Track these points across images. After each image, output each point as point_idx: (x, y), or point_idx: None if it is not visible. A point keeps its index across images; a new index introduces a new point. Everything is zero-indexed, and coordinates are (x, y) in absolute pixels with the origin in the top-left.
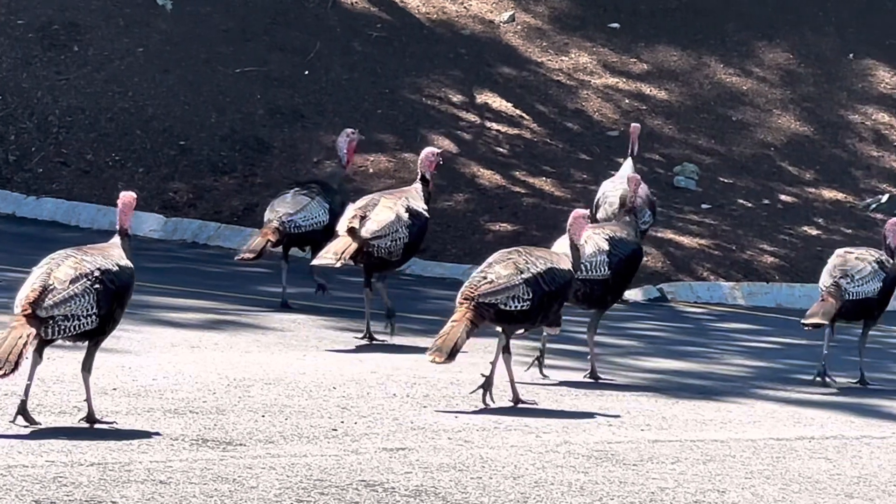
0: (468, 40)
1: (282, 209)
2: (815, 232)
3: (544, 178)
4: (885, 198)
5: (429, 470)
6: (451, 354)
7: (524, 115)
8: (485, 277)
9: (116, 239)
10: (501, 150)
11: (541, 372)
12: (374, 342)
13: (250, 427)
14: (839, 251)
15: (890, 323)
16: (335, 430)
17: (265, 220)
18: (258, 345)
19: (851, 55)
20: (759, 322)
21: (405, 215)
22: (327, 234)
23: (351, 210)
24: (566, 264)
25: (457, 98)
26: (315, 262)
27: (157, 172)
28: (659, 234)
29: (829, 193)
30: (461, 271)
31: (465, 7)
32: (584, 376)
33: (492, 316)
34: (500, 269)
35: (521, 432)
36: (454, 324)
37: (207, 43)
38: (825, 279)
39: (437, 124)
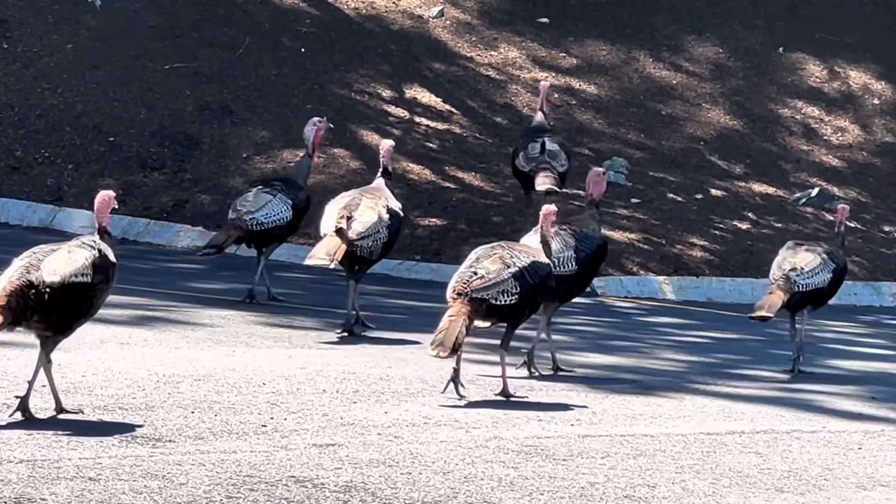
0: (397, 35)
1: (244, 207)
2: (745, 226)
3: (474, 173)
4: (814, 192)
5: (358, 466)
6: (454, 349)
7: (453, 109)
8: (475, 273)
9: (96, 237)
10: (431, 145)
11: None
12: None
13: (180, 423)
14: (789, 243)
15: (818, 316)
16: (265, 426)
17: (228, 218)
18: (187, 341)
19: (781, 49)
20: (688, 316)
21: (386, 216)
22: (291, 229)
23: (335, 210)
24: (545, 257)
25: (386, 93)
26: (308, 261)
27: (87, 169)
28: None
29: (758, 187)
30: (390, 266)
31: (394, 2)
32: (517, 367)
33: (483, 311)
34: (488, 265)
35: (451, 427)
36: (452, 319)
37: (136, 39)
38: (775, 272)
39: (367, 119)
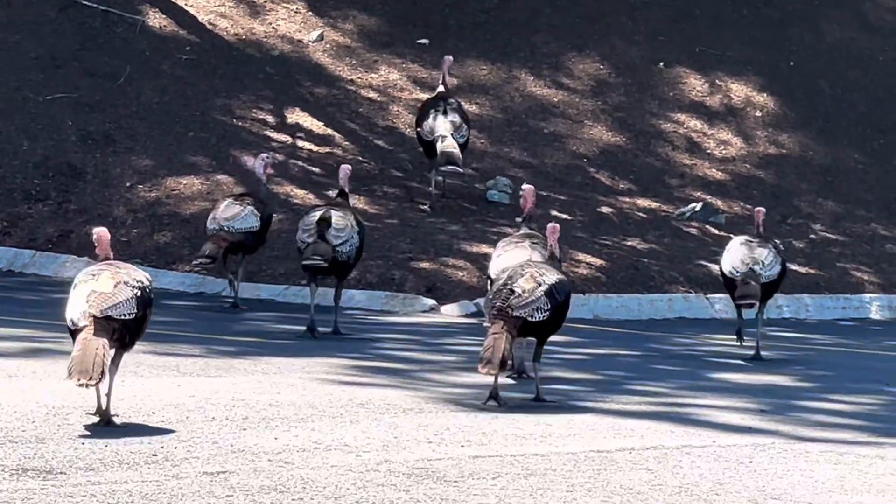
0: (277, 60)
1: (223, 215)
2: (630, 242)
3: (357, 196)
4: (698, 206)
5: (250, 493)
6: (502, 365)
7: (335, 133)
8: (512, 291)
9: (111, 264)
10: (314, 168)
11: None
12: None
13: (70, 455)
14: (741, 239)
15: (706, 330)
16: (155, 455)
17: (220, 228)
18: None
19: (662, 64)
20: (575, 334)
21: (356, 225)
22: (261, 240)
23: (313, 221)
24: (563, 275)
25: (268, 118)
26: (305, 262)
27: None
28: (473, 249)
29: (643, 203)
30: (277, 292)
31: (273, 27)
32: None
33: (518, 327)
34: (523, 283)
35: (342, 452)
36: (496, 336)
37: (17, 70)
38: (737, 265)
39: (249, 145)
